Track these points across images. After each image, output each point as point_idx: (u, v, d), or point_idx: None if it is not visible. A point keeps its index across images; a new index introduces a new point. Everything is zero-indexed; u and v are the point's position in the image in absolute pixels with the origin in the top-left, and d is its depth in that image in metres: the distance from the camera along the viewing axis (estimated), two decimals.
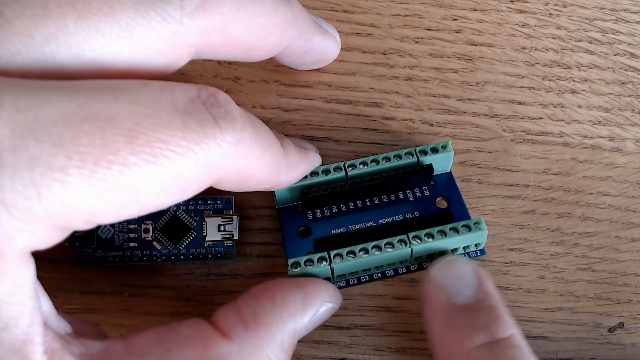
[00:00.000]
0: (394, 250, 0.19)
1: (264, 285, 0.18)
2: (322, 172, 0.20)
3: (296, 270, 0.19)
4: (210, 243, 0.20)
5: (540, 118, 0.22)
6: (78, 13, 0.13)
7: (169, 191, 0.13)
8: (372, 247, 0.19)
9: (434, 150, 0.20)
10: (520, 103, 0.22)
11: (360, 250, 0.19)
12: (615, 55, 0.22)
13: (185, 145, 0.13)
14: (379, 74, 0.21)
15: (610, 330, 0.22)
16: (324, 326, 0.22)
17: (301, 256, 0.19)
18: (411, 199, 0.21)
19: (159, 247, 0.20)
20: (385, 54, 0.21)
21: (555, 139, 0.22)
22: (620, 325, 0.22)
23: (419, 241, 0.19)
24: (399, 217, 0.21)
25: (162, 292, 0.21)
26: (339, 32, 0.21)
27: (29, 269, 0.13)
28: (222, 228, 0.20)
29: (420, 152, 0.20)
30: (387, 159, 0.20)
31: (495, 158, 0.22)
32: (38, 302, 0.13)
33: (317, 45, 0.19)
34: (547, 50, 0.22)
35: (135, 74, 0.14)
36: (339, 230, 0.20)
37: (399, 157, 0.20)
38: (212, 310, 0.20)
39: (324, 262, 0.19)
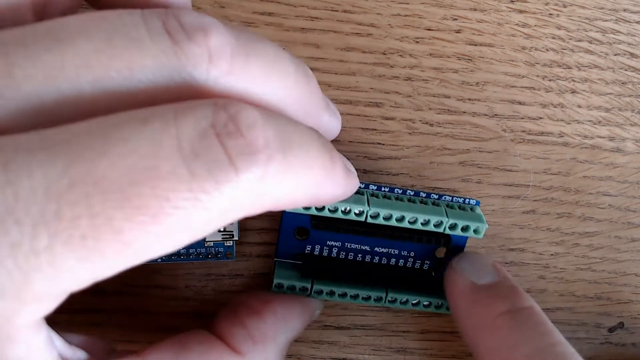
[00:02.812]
0: (368, 302, 0.20)
1: (262, 298, 0.19)
2: (342, 211, 0.19)
3: (277, 290, 0.20)
4: (210, 243, 0.20)
5: (540, 118, 0.22)
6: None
7: (178, 242, 0.12)
8: (350, 296, 0.20)
9: (464, 229, 0.19)
10: (520, 103, 0.22)
11: (339, 295, 0.20)
12: (615, 55, 0.22)
13: (191, 197, 0.11)
14: (379, 74, 0.21)
15: (610, 330, 0.22)
16: (324, 326, 0.22)
17: (287, 275, 0.20)
18: (414, 237, 0.20)
19: None
20: (385, 54, 0.21)
21: (555, 139, 0.22)
22: (620, 325, 0.22)
23: (394, 300, 0.20)
24: (394, 252, 0.21)
25: (162, 292, 0.21)
26: (338, 32, 0.21)
27: (39, 334, 0.12)
28: (222, 228, 0.20)
29: (450, 226, 0.19)
30: (413, 221, 0.19)
31: (495, 158, 0.22)
32: (53, 350, 0.13)
33: (324, 124, 0.18)
34: (547, 50, 0.22)
35: None
36: (333, 243, 0.21)
37: (426, 222, 0.19)
38: (212, 310, 0.20)
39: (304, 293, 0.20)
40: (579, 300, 0.22)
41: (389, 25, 0.21)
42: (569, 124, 0.22)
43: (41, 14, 0.14)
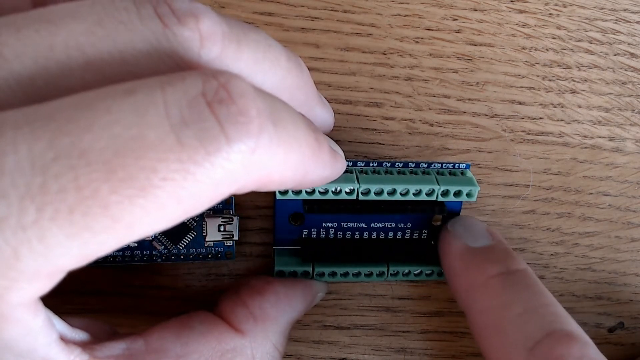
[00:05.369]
0: (371, 277, 0.20)
1: (265, 279, 0.20)
2: (333, 191, 0.19)
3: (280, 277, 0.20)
4: (211, 243, 0.20)
5: (540, 118, 0.22)
6: None
7: (170, 216, 0.12)
8: (352, 275, 0.20)
9: (457, 194, 0.19)
10: (520, 103, 0.22)
11: (341, 275, 0.20)
12: (615, 55, 0.22)
13: (181, 168, 0.11)
14: (379, 74, 0.21)
15: (610, 330, 0.22)
16: (324, 326, 0.22)
17: (287, 261, 0.20)
18: (409, 209, 0.20)
19: (159, 247, 0.20)
20: (385, 54, 0.21)
21: (555, 139, 0.22)
22: (620, 325, 0.22)
23: (395, 273, 0.21)
24: (390, 225, 0.21)
25: (162, 292, 0.21)
26: (338, 32, 0.21)
27: (37, 316, 0.12)
28: (222, 228, 0.20)
29: (442, 193, 0.19)
30: (404, 193, 0.19)
31: (495, 158, 0.22)
32: (53, 332, 0.13)
33: (317, 116, 0.18)
34: (547, 50, 0.22)
35: None
36: (329, 225, 0.21)
37: (418, 193, 0.19)
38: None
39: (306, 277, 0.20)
40: (579, 300, 0.22)
41: (389, 25, 0.21)
42: (569, 124, 0.22)
43: (39, 5, 0.14)
